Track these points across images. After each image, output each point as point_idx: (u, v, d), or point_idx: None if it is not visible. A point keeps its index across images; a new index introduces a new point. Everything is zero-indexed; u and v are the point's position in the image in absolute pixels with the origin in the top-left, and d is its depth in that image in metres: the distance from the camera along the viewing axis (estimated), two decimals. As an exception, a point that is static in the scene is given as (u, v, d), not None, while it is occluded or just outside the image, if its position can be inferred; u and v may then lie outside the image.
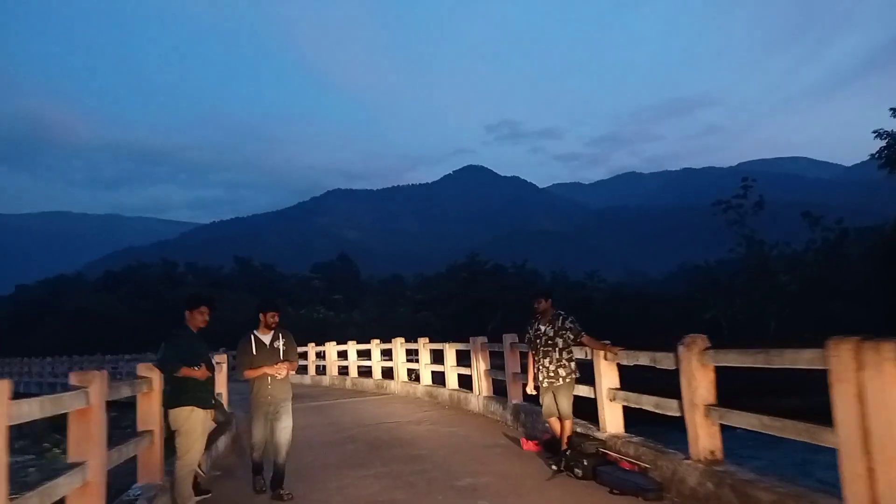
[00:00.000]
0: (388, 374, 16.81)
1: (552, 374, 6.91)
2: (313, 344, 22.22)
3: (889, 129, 36.60)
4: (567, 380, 6.91)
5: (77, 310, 74.69)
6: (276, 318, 6.50)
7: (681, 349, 5.27)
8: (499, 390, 11.37)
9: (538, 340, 7.05)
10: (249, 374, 6.33)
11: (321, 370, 21.45)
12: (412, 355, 15.73)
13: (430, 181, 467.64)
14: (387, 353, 17.29)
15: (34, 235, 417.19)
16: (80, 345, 58.51)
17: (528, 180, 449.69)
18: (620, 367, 6.98)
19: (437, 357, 14.58)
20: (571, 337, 6.93)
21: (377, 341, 17.33)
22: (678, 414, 5.44)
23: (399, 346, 15.89)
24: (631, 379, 7.03)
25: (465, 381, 13.01)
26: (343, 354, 19.65)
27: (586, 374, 7.13)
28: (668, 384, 5.67)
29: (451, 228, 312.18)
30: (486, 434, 9.39)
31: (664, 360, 5.62)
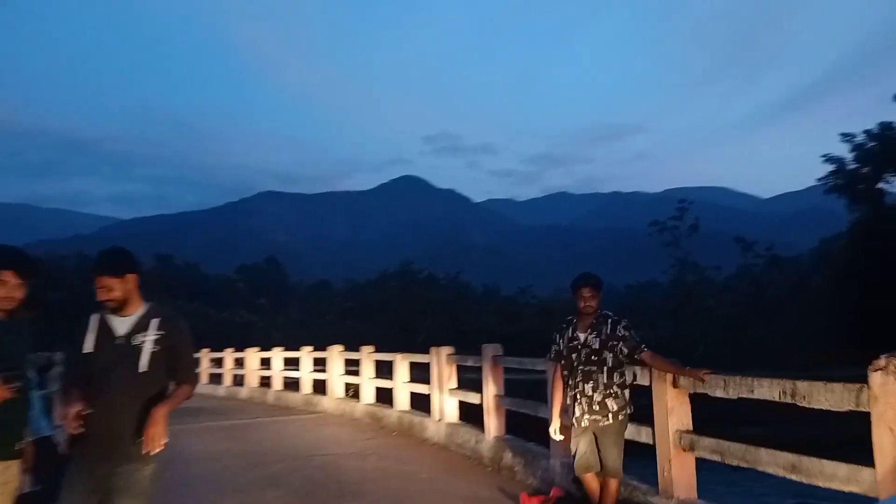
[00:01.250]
0: (319, 387, 14.16)
1: (597, 408, 4.57)
2: (231, 349, 19.18)
3: (837, 155, 36.26)
4: (619, 416, 4.60)
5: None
6: (113, 285, 3.13)
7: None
8: (467, 415, 9.00)
9: (575, 355, 4.68)
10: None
11: (239, 380, 18.52)
12: (350, 366, 13.25)
13: (365, 189, 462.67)
14: (319, 363, 14.72)
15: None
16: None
17: (463, 194, 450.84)
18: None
19: (381, 370, 12.14)
20: (626, 351, 4.63)
21: (309, 349, 14.57)
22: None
23: (336, 356, 13.22)
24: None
25: (418, 402, 10.60)
26: (266, 363, 16.78)
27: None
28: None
29: (383, 238, 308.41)
30: (458, 477, 7.01)
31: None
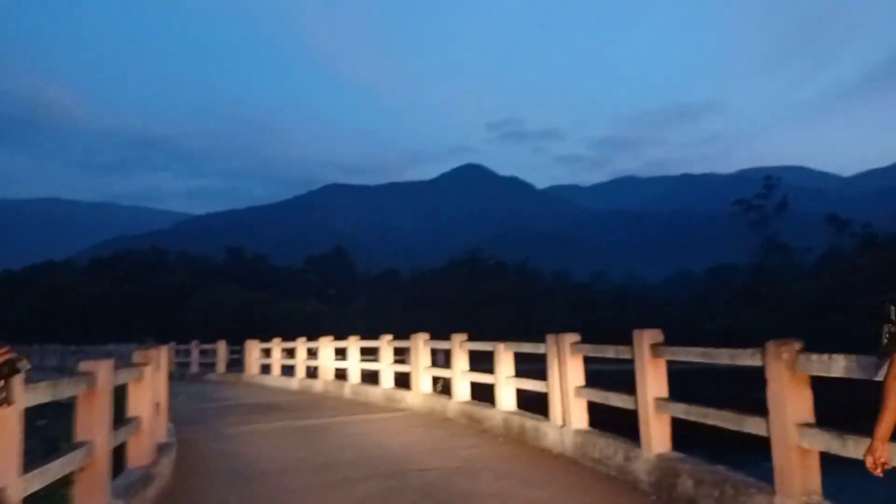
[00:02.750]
0: (401, 380, 12.51)
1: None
2: (304, 339, 17.71)
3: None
4: None
5: (56, 290, 70.63)
6: None
7: None
8: (595, 421, 7.12)
9: None
10: None
11: (312, 372, 17.10)
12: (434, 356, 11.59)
13: (428, 178, 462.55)
14: (399, 353, 13.09)
15: (27, 222, 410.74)
16: (59, 327, 54.80)
17: (527, 181, 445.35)
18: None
19: (475, 361, 10.34)
20: None
21: (389, 338, 12.89)
22: None
23: (421, 346, 11.47)
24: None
25: (524, 400, 8.81)
26: (342, 353, 15.21)
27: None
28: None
29: (448, 227, 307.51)
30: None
31: None
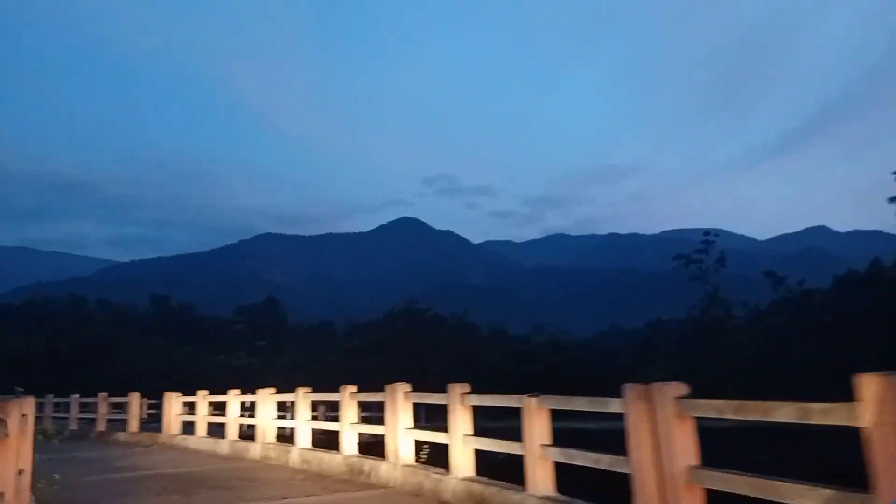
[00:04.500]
0: (371, 446, 9.75)
1: None
2: (237, 391, 14.62)
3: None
4: None
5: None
6: None
7: None
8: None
9: None
10: None
11: (247, 432, 14.03)
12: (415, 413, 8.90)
13: (364, 230, 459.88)
14: (368, 409, 10.39)
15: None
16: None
17: (462, 235, 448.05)
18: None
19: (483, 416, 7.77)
20: None
21: (352, 389, 10.05)
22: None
23: (401, 400, 8.75)
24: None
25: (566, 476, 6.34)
26: (285, 408, 12.23)
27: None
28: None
29: (384, 278, 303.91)
30: None
31: None
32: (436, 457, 8.56)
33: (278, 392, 12.76)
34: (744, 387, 43.39)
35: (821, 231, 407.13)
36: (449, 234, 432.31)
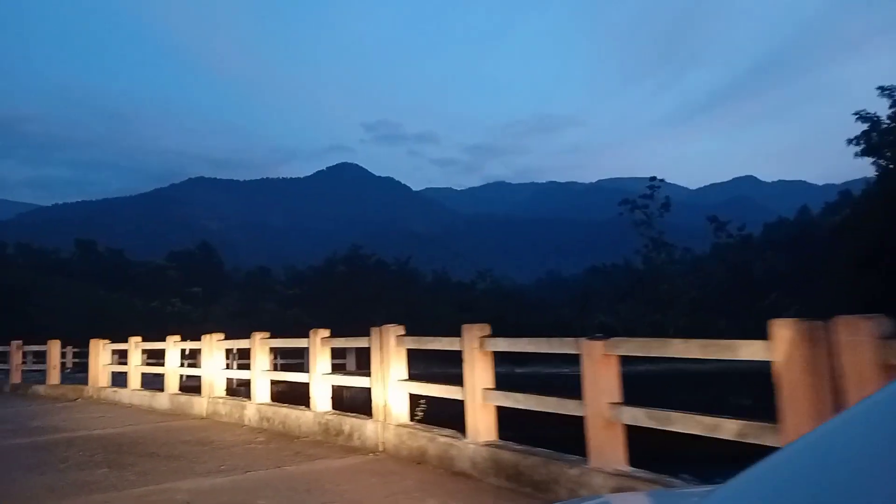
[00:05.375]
0: (350, 402, 8.05)
1: None
2: (177, 337, 12.60)
3: (871, 113, 31.97)
4: None
5: None
6: None
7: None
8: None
9: None
10: None
11: (186, 383, 12.10)
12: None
13: (302, 176, 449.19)
14: (339, 356, 8.64)
15: None
16: None
17: (403, 182, 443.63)
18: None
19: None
20: None
21: (325, 333, 8.25)
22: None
23: (393, 345, 6.97)
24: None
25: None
26: (242, 355, 10.33)
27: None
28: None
29: (322, 225, 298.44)
30: None
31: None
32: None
33: (231, 338, 10.81)
34: (683, 333, 43.73)
35: (749, 180, 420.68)
36: (389, 181, 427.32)
